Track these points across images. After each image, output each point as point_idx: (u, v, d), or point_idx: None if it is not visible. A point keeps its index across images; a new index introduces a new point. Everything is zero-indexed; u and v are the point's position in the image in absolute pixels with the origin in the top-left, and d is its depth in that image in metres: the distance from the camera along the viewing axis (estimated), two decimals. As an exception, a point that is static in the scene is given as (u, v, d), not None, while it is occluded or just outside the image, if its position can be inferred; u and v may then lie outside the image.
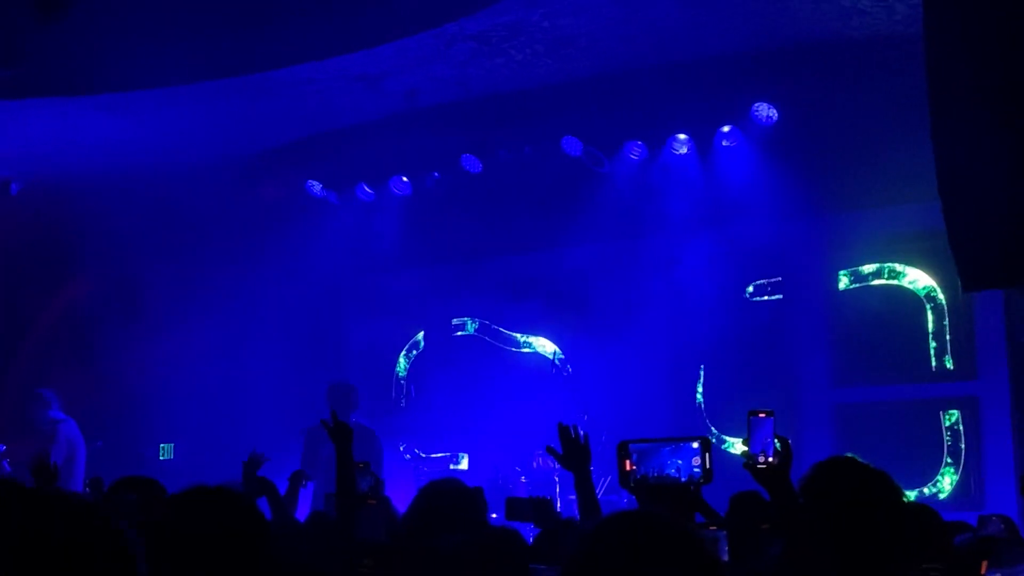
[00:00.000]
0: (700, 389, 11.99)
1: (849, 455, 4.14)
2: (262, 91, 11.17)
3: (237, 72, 10.77)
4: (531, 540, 5.44)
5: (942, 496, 10.47)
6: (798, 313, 11.53)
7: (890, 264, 11.16)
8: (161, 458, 14.18)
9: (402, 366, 13.82)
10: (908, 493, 10.05)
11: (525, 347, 13.14)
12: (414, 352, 13.84)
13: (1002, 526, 6.70)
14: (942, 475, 10.69)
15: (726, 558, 4.51)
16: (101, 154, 12.48)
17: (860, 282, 11.31)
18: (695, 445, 5.00)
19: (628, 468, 5.06)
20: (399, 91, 11.23)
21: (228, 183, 12.96)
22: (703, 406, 11.93)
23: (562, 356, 12.72)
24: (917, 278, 11.01)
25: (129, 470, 6.84)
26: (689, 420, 11.73)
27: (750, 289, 11.84)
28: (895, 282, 11.15)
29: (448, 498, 5.37)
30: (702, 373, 12.00)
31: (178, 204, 12.96)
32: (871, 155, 10.47)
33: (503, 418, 12.34)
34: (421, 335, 13.78)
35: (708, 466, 4.95)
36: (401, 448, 12.68)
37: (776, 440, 4.35)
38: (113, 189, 13.04)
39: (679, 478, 4.97)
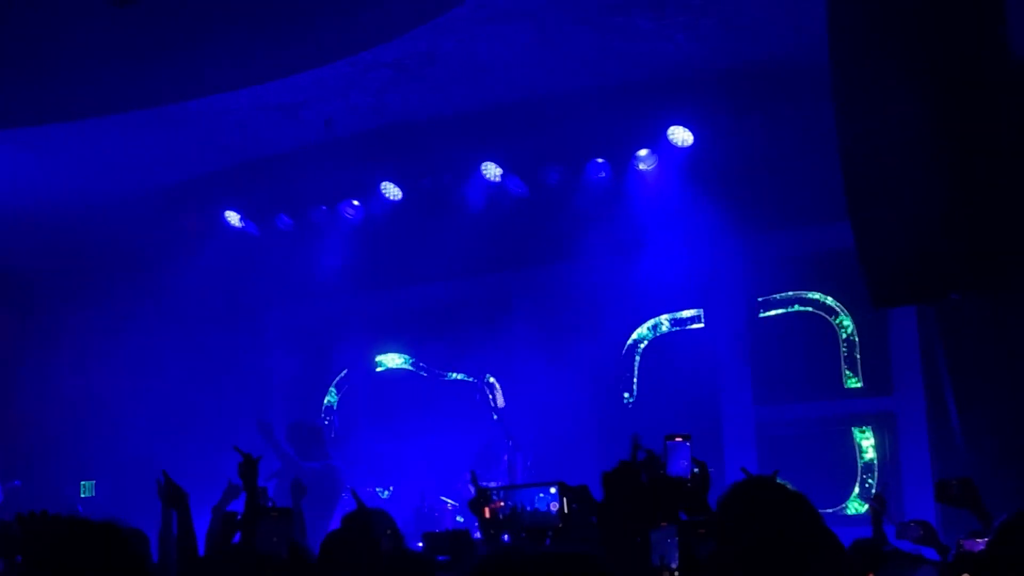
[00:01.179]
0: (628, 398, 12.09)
1: (766, 476, 4.19)
2: (178, 122, 11.09)
3: (152, 103, 10.70)
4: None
5: (861, 510, 10.61)
6: (719, 338, 11.67)
7: (804, 291, 11.33)
8: (82, 495, 13.98)
9: (332, 397, 13.73)
10: (828, 509, 10.19)
11: (450, 375, 13.12)
12: (343, 385, 13.76)
13: (920, 532, 6.76)
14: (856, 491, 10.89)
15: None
16: (12, 189, 12.30)
17: (776, 308, 11.47)
18: (553, 490, 5.16)
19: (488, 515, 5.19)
20: (317, 120, 11.20)
21: (146, 215, 12.84)
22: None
23: (490, 382, 12.73)
24: (828, 298, 11.20)
25: (50, 509, 6.73)
26: (616, 445, 11.78)
27: (666, 319, 11.97)
28: (808, 308, 11.33)
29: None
30: (627, 396, 12.09)
31: (95, 237, 12.84)
32: (783, 177, 10.63)
33: (430, 447, 12.32)
34: (344, 372, 13.71)
35: (566, 510, 5.06)
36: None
37: (694, 464, 4.40)
38: (27, 224, 12.88)
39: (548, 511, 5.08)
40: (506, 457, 11.09)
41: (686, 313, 11.90)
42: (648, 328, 12.03)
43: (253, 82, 10.42)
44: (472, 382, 12.91)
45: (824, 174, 8.30)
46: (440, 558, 5.64)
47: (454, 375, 13.08)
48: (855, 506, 10.77)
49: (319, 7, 9.45)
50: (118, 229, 12.92)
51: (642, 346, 12.06)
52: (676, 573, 3.77)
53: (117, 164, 12.01)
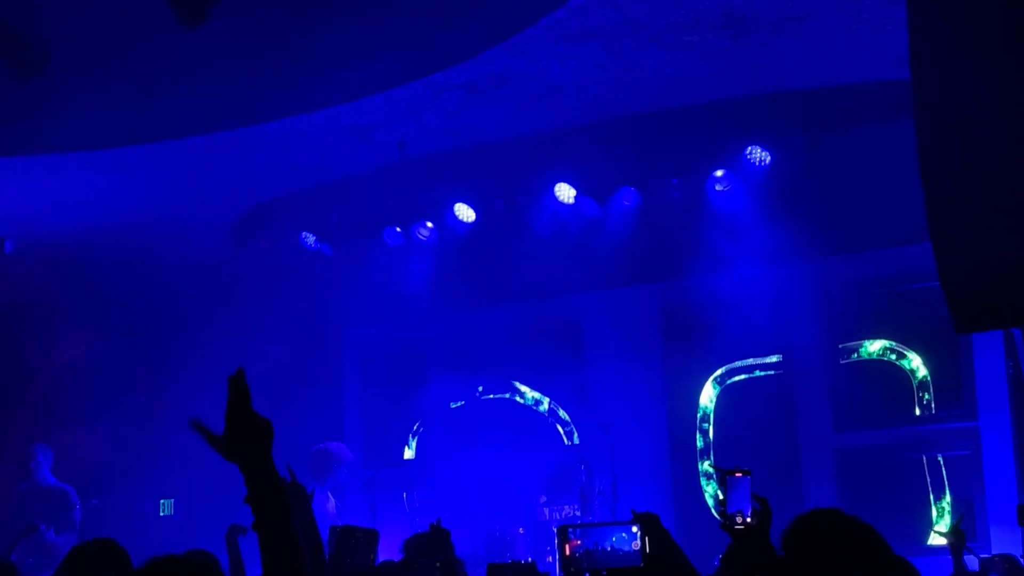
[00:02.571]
0: (699, 440, 11.91)
1: (832, 509, 4.05)
2: (254, 144, 11.16)
3: (227, 126, 10.77)
4: None
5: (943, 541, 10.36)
6: (796, 381, 11.57)
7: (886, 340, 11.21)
8: (161, 514, 14.09)
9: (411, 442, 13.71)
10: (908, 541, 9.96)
11: (522, 399, 13.03)
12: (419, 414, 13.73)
13: (1005, 567, 6.61)
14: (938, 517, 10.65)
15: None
16: (93, 211, 12.47)
17: (856, 353, 11.32)
18: (634, 529, 5.03)
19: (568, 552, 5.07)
20: (390, 141, 11.21)
21: (222, 236, 12.94)
22: (704, 456, 11.83)
23: (558, 409, 12.64)
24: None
25: (129, 527, 6.79)
26: (692, 471, 11.72)
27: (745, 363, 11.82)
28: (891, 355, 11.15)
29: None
30: (705, 426, 11.92)
31: (171, 259, 12.94)
32: (860, 198, 10.46)
33: (502, 472, 12.25)
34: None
35: (647, 550, 4.93)
36: (404, 496, 12.67)
37: (755, 499, 4.27)
38: (107, 245, 13.03)
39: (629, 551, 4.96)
40: (580, 483, 10.99)
41: (768, 359, 11.72)
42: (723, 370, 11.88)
43: (327, 104, 10.45)
44: (544, 408, 12.81)
45: (903, 195, 8.12)
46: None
47: (526, 399, 12.98)
48: (937, 537, 10.52)
49: (392, 30, 9.44)
50: (195, 249, 13.02)
51: (719, 371, 11.89)
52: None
53: (195, 186, 12.12)
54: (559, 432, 12.31)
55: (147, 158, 11.33)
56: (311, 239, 13.03)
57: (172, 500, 14.19)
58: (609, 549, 5.25)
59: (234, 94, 10.29)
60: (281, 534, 2.96)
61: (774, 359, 11.69)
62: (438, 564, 5.38)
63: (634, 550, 5.19)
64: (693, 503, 11.67)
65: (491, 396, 13.19)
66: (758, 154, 11.02)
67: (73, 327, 14.34)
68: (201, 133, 10.90)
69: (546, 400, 12.83)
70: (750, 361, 11.78)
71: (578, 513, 11.01)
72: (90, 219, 12.71)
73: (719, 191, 11.41)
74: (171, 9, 8.94)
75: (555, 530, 5.82)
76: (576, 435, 12.44)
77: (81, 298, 14.10)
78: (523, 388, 13.01)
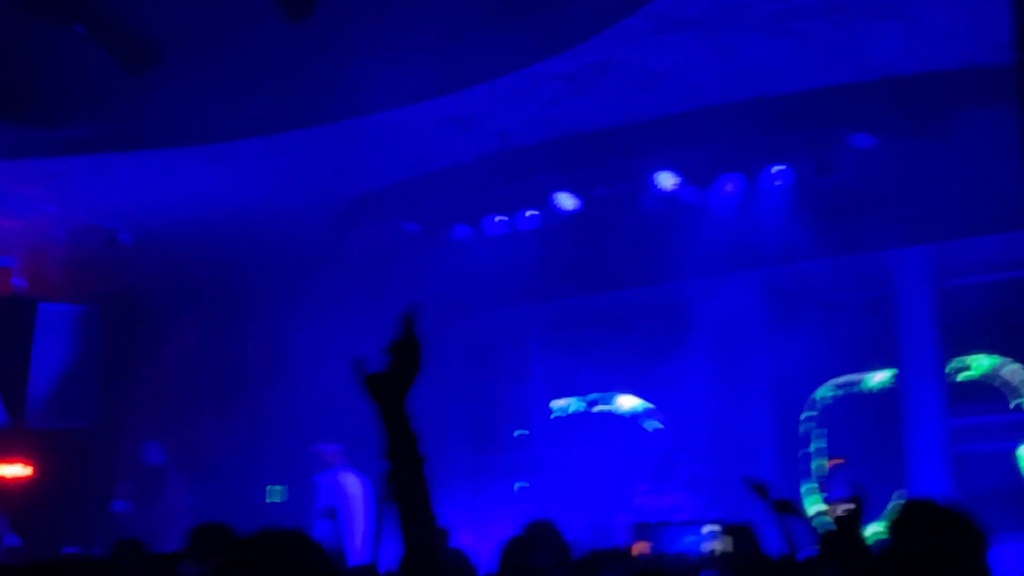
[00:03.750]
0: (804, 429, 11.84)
1: (929, 498, 4.05)
2: (357, 136, 11.32)
3: (332, 119, 10.95)
4: None
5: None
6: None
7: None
8: (270, 500, 14.33)
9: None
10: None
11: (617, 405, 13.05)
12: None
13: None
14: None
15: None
16: (203, 203, 12.75)
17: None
18: (706, 530, 5.02)
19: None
20: (491, 132, 11.30)
21: (327, 227, 13.14)
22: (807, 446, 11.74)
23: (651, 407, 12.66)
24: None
25: (238, 514, 6.96)
26: (795, 461, 11.66)
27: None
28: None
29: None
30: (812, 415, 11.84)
31: (280, 249, 13.17)
32: (967, 183, 10.30)
33: (606, 461, 12.31)
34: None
35: (730, 549, 4.92)
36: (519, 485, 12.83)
37: (852, 487, 4.29)
38: (216, 236, 13.30)
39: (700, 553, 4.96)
40: (682, 472, 11.01)
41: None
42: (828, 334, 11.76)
43: (429, 96, 10.56)
44: (640, 407, 12.82)
45: (1008, 181, 8.00)
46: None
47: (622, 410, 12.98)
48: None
49: (491, 22, 9.53)
50: (303, 239, 13.23)
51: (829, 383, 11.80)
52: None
53: (300, 178, 12.33)
54: (658, 424, 12.31)
55: (255, 151, 11.56)
56: (414, 228, 13.17)
57: (283, 487, 14.41)
58: (679, 553, 5.21)
59: (338, 87, 10.45)
60: (413, 486, 2.99)
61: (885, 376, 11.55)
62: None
63: (706, 552, 5.16)
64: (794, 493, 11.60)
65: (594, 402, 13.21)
66: (861, 141, 10.90)
67: (184, 317, 14.67)
68: (307, 126, 11.09)
69: (648, 389, 12.83)
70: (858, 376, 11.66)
71: (679, 502, 11.04)
72: (200, 212, 13.00)
73: (822, 177, 11.30)
74: (277, 4, 9.14)
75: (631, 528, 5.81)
76: (678, 423, 12.43)
77: (192, 289, 14.41)
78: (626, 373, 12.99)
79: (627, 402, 12.93)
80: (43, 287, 14.13)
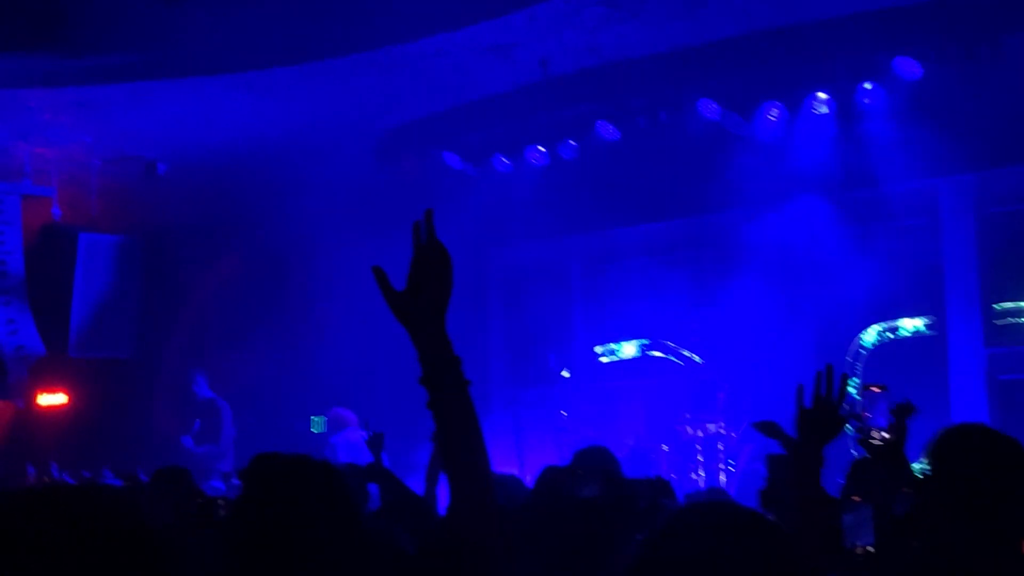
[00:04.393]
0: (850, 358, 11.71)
1: (979, 423, 3.96)
2: (395, 65, 11.19)
3: (370, 47, 10.82)
4: None
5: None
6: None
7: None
8: (313, 431, 14.40)
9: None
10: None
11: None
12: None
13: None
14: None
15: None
16: (241, 133, 12.69)
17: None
18: None
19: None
20: (531, 60, 11.15)
21: (365, 157, 13.06)
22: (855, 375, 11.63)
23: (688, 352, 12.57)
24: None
25: (281, 444, 6.94)
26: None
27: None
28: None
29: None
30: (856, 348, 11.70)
31: (318, 179, 13.11)
32: (1013, 110, 10.08)
33: (643, 390, 12.27)
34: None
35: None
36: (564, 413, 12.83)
37: (892, 414, 4.21)
38: (254, 167, 13.26)
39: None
40: (720, 396, 10.96)
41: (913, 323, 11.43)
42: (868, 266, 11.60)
43: (468, 23, 10.41)
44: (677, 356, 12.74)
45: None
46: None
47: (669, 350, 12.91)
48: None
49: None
50: (341, 170, 13.16)
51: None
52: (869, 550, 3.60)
53: (337, 108, 12.22)
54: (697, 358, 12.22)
55: (291, 80, 11.46)
56: (454, 159, 13.08)
57: (324, 417, 14.48)
58: None
59: (375, 14, 10.32)
60: (457, 413, 2.75)
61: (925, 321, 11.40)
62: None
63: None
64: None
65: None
66: (908, 66, 10.68)
67: (223, 248, 14.70)
68: (343, 55, 10.97)
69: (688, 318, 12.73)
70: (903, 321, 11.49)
71: (723, 431, 11.00)
72: (237, 142, 12.94)
73: (867, 104, 11.09)
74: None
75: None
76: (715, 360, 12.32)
77: (230, 220, 14.42)
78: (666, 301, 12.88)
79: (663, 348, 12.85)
80: (83, 217, 14.16)
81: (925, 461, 3.90)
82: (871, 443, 4.20)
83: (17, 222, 14.09)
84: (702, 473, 10.93)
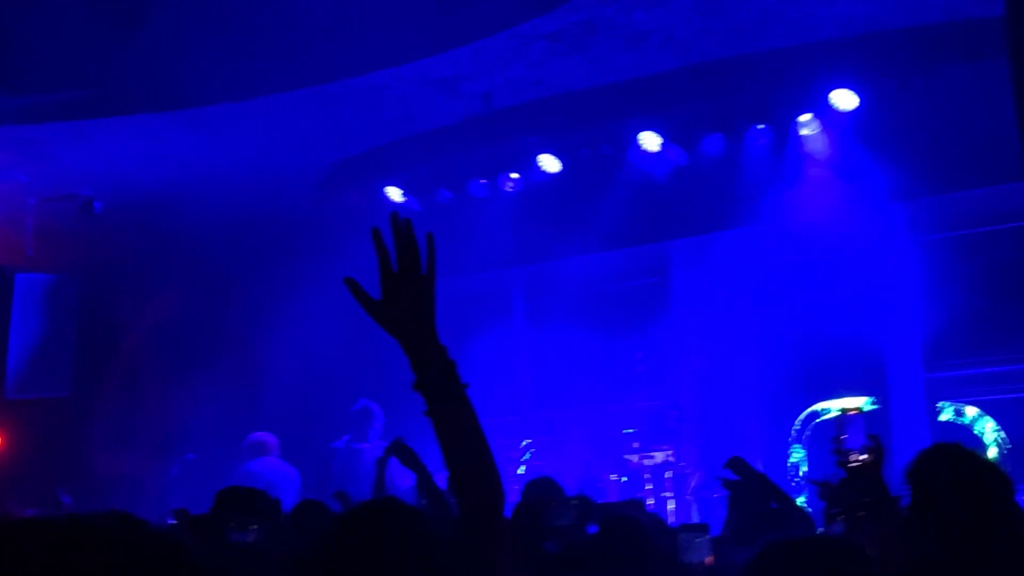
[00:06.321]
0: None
1: (955, 443, 4.07)
2: (339, 99, 11.22)
3: (314, 82, 10.84)
4: None
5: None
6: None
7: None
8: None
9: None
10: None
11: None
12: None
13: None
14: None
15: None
16: (182, 169, 12.62)
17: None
18: None
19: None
20: (476, 94, 11.23)
21: (308, 192, 13.04)
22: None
23: (641, 355, 12.63)
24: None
25: (220, 483, 6.88)
26: (783, 415, 11.67)
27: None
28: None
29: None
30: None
31: (258, 215, 13.07)
32: (951, 139, 10.30)
33: (594, 418, 12.30)
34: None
35: None
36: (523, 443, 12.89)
37: (869, 437, 4.31)
38: (195, 203, 13.18)
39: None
40: (671, 426, 11.05)
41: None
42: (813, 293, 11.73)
43: (413, 57, 10.47)
44: (635, 358, 12.81)
45: (996, 135, 8.01)
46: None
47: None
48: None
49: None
50: (283, 205, 13.13)
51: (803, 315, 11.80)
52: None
53: (281, 142, 12.21)
54: (648, 378, 12.31)
55: (233, 115, 11.43)
56: (397, 193, 13.09)
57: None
58: None
59: (319, 49, 10.35)
60: (457, 418, 2.65)
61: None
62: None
63: None
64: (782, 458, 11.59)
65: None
66: (844, 97, 10.89)
67: (162, 285, 14.56)
68: (286, 90, 10.98)
69: (633, 347, 12.81)
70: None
71: (671, 459, 11.08)
72: (178, 178, 12.86)
73: (806, 135, 11.29)
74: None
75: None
76: (666, 380, 12.43)
77: (170, 256, 14.30)
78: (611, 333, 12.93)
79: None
80: (19, 256, 13.95)
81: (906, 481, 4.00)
82: (849, 465, 4.29)
83: (-49, 266, 13.89)
84: (651, 501, 10.98)
